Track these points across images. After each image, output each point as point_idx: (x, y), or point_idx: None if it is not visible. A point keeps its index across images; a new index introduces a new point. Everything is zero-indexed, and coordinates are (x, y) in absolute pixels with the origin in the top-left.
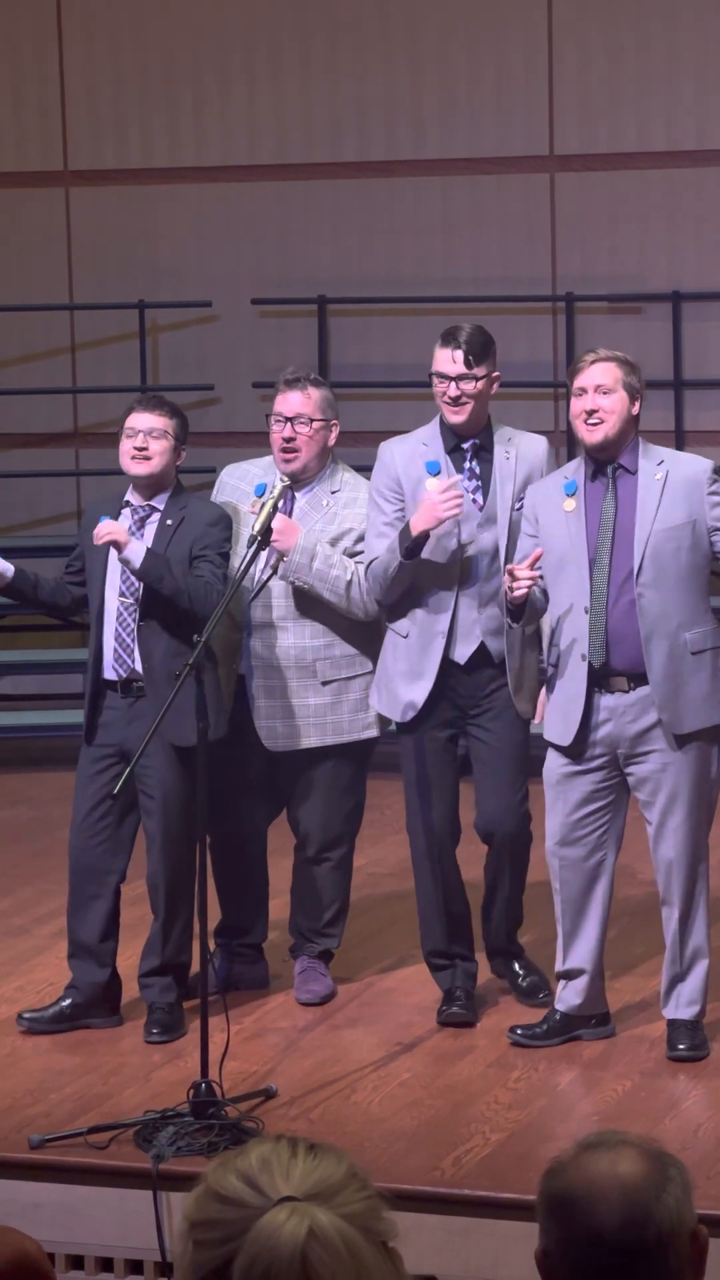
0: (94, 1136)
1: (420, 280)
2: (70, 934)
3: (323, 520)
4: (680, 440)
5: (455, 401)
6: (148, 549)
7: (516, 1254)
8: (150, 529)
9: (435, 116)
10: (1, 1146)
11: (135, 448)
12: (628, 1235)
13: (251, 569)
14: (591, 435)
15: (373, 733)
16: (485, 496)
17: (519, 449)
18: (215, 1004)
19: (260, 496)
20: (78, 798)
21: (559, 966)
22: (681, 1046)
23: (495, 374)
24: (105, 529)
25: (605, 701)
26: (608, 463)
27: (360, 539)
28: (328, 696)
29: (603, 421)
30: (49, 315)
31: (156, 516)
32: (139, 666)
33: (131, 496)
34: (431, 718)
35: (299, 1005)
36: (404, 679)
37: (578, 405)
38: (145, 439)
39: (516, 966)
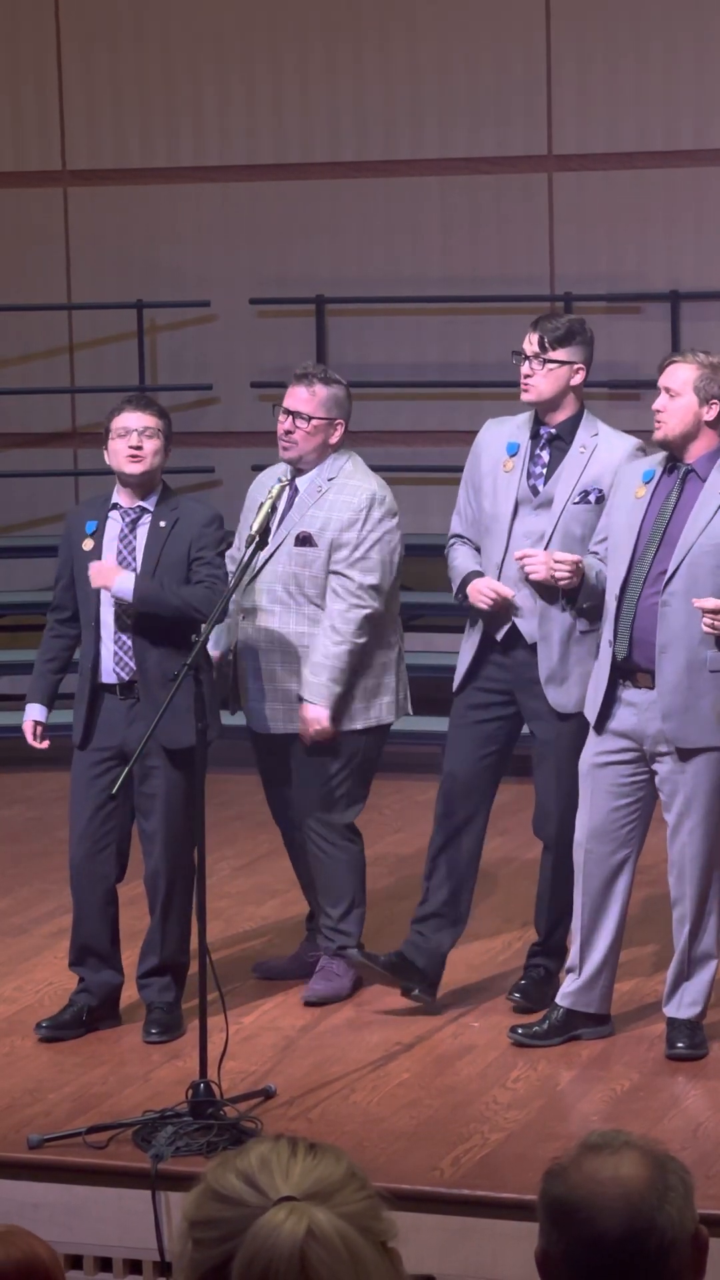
0: (93, 1136)
1: (418, 280)
2: (78, 941)
3: (313, 506)
4: None
5: (524, 380)
6: (136, 578)
7: (515, 1254)
8: (143, 530)
9: (434, 116)
10: (0, 1146)
11: (131, 447)
12: (630, 1244)
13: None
14: (655, 433)
15: (356, 725)
16: (546, 483)
17: (598, 448)
18: (214, 1004)
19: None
20: (77, 804)
21: (572, 960)
22: (680, 1045)
23: (578, 365)
24: (94, 578)
25: (631, 695)
26: (680, 462)
27: (341, 532)
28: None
29: (663, 422)
30: (47, 315)
31: (148, 518)
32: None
33: (120, 498)
34: (471, 689)
35: (298, 1005)
36: (464, 646)
37: (655, 403)
38: (139, 438)
39: (530, 972)
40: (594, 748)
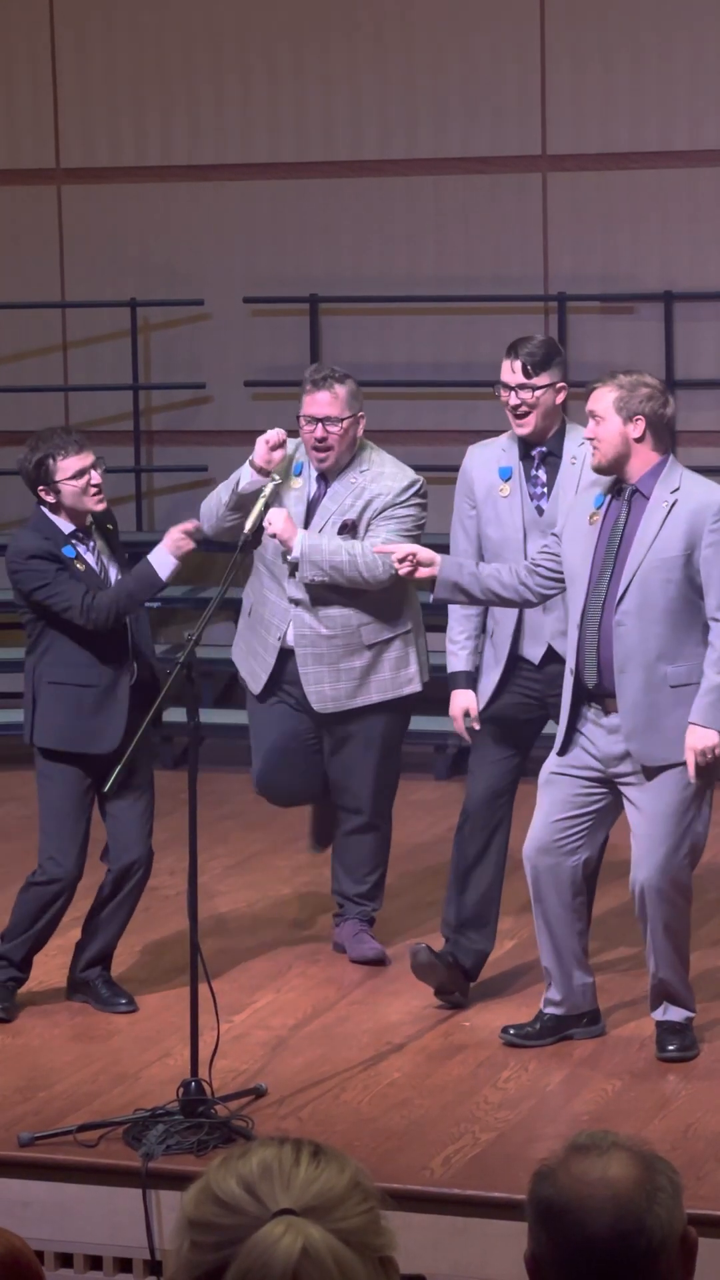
0: (83, 1135)
1: (412, 279)
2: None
3: (352, 496)
4: (672, 440)
5: (515, 411)
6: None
7: (505, 1254)
8: (99, 539)
9: (428, 116)
10: None
11: (94, 486)
12: (620, 1245)
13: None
14: (592, 459)
15: (415, 687)
16: (548, 501)
17: (588, 456)
18: (205, 1002)
19: (299, 475)
20: (77, 814)
21: (546, 973)
22: (671, 1047)
23: (560, 384)
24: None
25: (600, 719)
26: (624, 484)
27: (383, 510)
28: (369, 658)
29: (596, 449)
30: (41, 313)
31: (92, 530)
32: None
33: (73, 527)
34: (496, 706)
35: (290, 1003)
36: (485, 670)
37: (585, 430)
38: (95, 475)
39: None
40: (553, 761)
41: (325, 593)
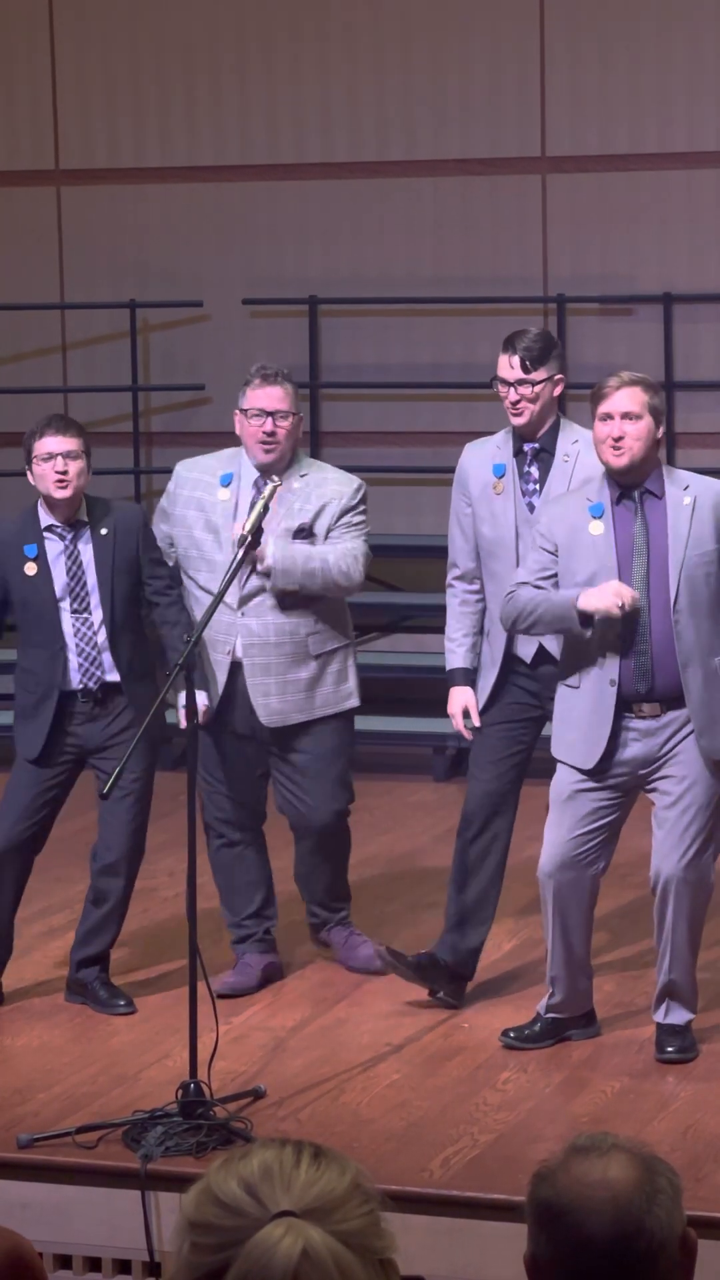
0: (82, 1136)
1: (411, 281)
2: None
3: (299, 500)
4: (671, 442)
5: (514, 406)
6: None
7: (504, 1255)
8: (85, 544)
9: (427, 117)
10: None
11: (58, 472)
12: (619, 1246)
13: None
14: (617, 460)
15: (355, 701)
16: (540, 499)
17: (581, 453)
18: (204, 1003)
19: (226, 486)
20: (14, 796)
21: (550, 977)
22: (670, 1049)
23: (558, 376)
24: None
25: (636, 724)
26: (633, 486)
27: (340, 514)
28: (315, 670)
29: (628, 448)
30: (40, 314)
31: (87, 532)
32: (108, 675)
33: (51, 518)
34: (496, 706)
35: (288, 1005)
36: (483, 670)
37: (604, 430)
38: (64, 462)
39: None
40: (577, 774)
41: (271, 599)
